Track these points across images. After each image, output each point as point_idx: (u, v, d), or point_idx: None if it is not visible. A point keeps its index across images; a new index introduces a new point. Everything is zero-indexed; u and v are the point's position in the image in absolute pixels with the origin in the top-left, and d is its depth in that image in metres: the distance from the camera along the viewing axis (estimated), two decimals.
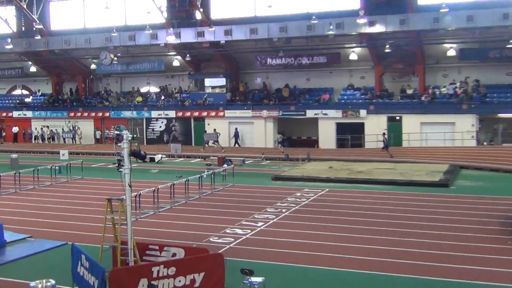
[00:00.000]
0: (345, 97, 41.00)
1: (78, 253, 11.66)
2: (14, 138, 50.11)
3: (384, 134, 36.57)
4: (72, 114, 48.53)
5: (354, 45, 39.83)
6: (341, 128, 39.56)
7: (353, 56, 40.06)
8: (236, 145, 41.85)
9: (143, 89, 49.87)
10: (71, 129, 48.53)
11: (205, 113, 43.30)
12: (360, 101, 39.92)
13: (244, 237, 16.41)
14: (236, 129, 41.88)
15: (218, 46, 41.71)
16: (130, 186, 11.71)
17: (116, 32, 42.47)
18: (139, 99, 47.53)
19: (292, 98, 42.07)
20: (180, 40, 41.42)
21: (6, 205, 22.32)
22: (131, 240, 11.60)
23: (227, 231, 17.11)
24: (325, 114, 39.43)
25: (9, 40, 46.94)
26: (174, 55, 45.14)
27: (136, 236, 13.55)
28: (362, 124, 38.67)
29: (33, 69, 50.59)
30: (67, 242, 15.87)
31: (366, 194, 23.34)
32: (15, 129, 50.50)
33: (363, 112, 38.48)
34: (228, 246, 15.39)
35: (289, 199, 22.25)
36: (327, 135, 39.62)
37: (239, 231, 17.07)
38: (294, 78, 43.63)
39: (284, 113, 40.85)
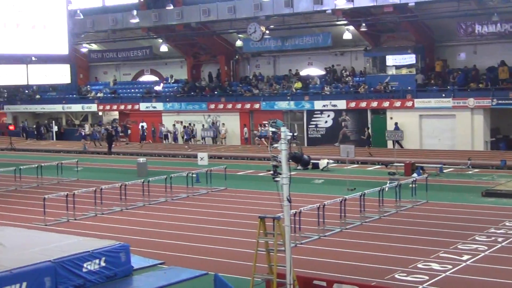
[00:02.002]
0: None
1: (223, 286, 12.23)
2: (142, 138, 52.86)
3: (368, 128, 38.10)
4: (212, 106, 50.70)
5: None
6: None
7: None
8: (397, 146, 41.23)
9: (303, 72, 50.85)
10: (211, 125, 50.47)
11: (386, 103, 43.06)
12: None
13: (443, 274, 16.21)
14: (396, 124, 41.17)
15: (405, 11, 41.29)
16: (289, 200, 12.05)
17: None
18: (298, 85, 48.50)
19: None
20: (353, 4, 41.54)
21: (132, 222, 24.04)
22: (291, 273, 11.91)
23: (419, 265, 17.00)
24: None
25: (134, 12, 49.98)
26: (345, 24, 45.41)
27: (296, 267, 13.87)
28: None
29: (164, 48, 53.66)
30: (208, 272, 16.72)
31: None
32: (142, 126, 53.29)
33: None
34: (420, 287, 15.28)
35: (507, 224, 21.63)
36: None
37: (435, 266, 16.89)
38: None
39: (500, 101, 39.48)
